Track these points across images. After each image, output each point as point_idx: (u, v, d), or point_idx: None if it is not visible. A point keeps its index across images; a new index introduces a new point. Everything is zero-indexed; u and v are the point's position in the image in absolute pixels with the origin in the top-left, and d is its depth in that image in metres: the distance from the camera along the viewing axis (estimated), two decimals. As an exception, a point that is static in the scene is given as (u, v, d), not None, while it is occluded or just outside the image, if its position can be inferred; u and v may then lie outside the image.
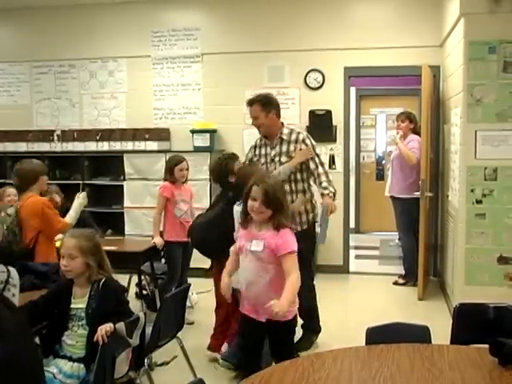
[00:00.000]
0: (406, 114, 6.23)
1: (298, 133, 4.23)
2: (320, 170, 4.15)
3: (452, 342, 2.72)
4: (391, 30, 6.26)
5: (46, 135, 7.02)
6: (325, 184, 4.07)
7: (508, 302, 2.83)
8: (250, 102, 4.23)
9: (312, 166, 4.16)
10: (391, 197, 6.27)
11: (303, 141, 4.18)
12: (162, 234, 4.98)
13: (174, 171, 4.86)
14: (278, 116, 4.24)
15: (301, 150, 4.16)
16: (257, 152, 4.34)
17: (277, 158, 4.19)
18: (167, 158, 6.36)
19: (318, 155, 4.21)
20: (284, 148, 4.19)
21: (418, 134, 6.01)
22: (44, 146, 7.01)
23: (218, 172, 4.13)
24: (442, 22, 5.92)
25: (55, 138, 6.98)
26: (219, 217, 3.93)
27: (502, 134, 4.65)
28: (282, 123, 4.28)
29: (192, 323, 4.82)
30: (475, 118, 4.69)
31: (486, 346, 2.28)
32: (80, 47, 7.01)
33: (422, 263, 5.62)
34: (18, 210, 3.84)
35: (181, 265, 4.91)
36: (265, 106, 4.16)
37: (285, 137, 4.21)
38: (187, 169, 4.98)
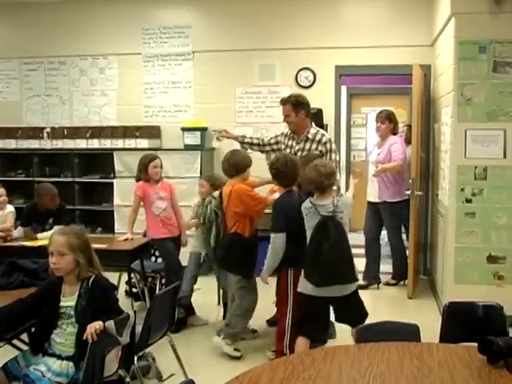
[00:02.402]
0: (386, 113, 5.85)
1: (323, 135, 4.63)
2: (336, 176, 4.44)
3: (441, 340, 2.74)
4: (382, 29, 6.27)
5: (35, 132, 6.97)
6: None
7: (497, 301, 2.84)
8: (283, 102, 4.63)
9: None
10: (380, 202, 5.82)
11: (325, 143, 4.56)
12: (145, 234, 5.06)
13: (148, 168, 4.82)
14: (307, 116, 4.64)
15: (321, 152, 4.49)
16: (285, 141, 4.75)
17: (299, 153, 4.54)
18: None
19: (335, 161, 4.56)
20: (307, 146, 4.57)
21: (396, 133, 5.87)
22: (34, 143, 6.95)
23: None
24: (433, 22, 5.93)
25: (45, 135, 6.93)
26: None
27: (491, 133, 4.67)
28: (311, 122, 4.68)
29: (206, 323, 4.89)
30: (465, 117, 4.71)
31: (475, 344, 2.29)
32: (70, 44, 6.96)
33: (412, 262, 5.64)
34: (220, 194, 4.37)
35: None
36: (296, 106, 4.56)
37: (310, 136, 4.59)
38: (161, 166, 4.94)
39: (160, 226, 4.85)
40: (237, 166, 4.27)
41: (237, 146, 5.19)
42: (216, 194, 4.43)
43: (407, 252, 5.87)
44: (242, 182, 4.27)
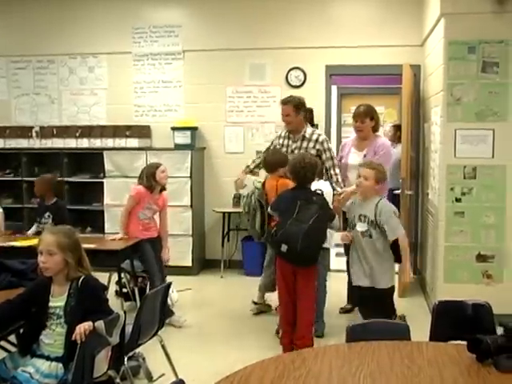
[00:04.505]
0: (366, 110, 4.96)
1: (319, 134, 4.91)
2: (332, 171, 4.78)
3: (431, 338, 2.75)
4: (373, 29, 6.28)
5: (24, 131, 6.90)
6: (334, 186, 4.67)
7: (486, 300, 2.86)
8: (285, 102, 4.87)
9: (327, 165, 4.78)
10: None
11: (322, 142, 4.82)
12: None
13: (155, 175, 4.82)
14: (305, 117, 4.96)
15: (319, 151, 4.78)
16: (281, 142, 4.99)
17: (296, 151, 4.78)
18: (148, 155, 6.37)
19: (332, 157, 4.84)
20: (304, 144, 4.83)
21: (377, 131, 5.10)
22: (22, 143, 6.89)
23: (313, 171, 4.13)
24: (423, 22, 5.96)
25: (34, 134, 6.87)
26: (319, 222, 3.93)
27: (481, 133, 4.70)
28: (307, 123, 4.98)
29: (180, 327, 4.82)
30: (455, 117, 4.73)
31: (465, 342, 2.30)
32: (59, 42, 6.92)
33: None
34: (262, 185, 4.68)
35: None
36: (296, 107, 4.81)
37: (307, 135, 4.85)
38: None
39: (140, 228, 4.89)
40: (270, 165, 4.63)
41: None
42: (258, 185, 4.69)
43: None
44: (279, 177, 4.53)
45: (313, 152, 4.74)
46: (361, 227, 3.87)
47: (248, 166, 5.25)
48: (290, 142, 4.90)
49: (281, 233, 3.93)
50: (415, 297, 5.64)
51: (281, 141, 5.00)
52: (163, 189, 4.97)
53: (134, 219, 4.87)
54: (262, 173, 5.07)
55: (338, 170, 4.82)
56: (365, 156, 4.89)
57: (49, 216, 5.23)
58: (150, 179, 4.82)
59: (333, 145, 7.85)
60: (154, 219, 5.01)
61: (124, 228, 4.90)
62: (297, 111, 4.81)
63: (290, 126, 4.88)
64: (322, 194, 4.05)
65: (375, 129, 5.04)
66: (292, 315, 4.08)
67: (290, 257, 3.93)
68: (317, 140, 4.82)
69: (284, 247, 3.89)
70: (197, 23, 6.69)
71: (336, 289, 5.66)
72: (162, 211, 5.01)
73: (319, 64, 6.47)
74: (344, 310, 5.23)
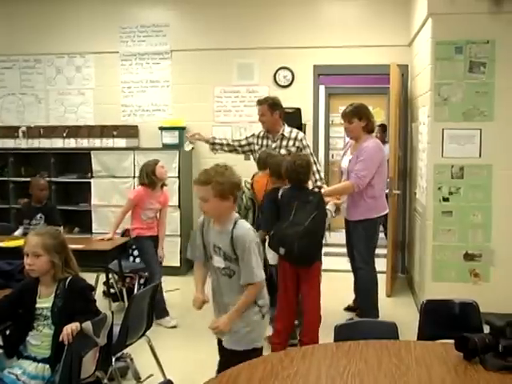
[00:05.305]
0: (352, 109, 4.66)
1: (297, 132, 4.98)
2: (313, 168, 4.59)
3: (419, 337, 2.76)
4: (360, 29, 6.30)
5: (10, 131, 6.85)
6: (318, 183, 4.74)
7: (473, 298, 2.88)
8: (260, 102, 4.99)
9: None
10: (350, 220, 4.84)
11: (301, 140, 4.90)
12: (128, 233, 5.05)
13: (156, 172, 4.82)
14: (281, 117, 4.98)
15: (299, 148, 4.83)
16: (259, 142, 5.03)
17: (276, 150, 4.81)
18: (135, 155, 6.34)
19: (312, 154, 4.86)
20: (284, 143, 4.90)
21: (372, 131, 4.80)
22: (9, 143, 6.84)
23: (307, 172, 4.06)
24: (411, 22, 5.98)
25: (20, 134, 6.82)
26: (315, 222, 3.90)
27: (468, 132, 4.72)
28: (284, 123, 5.00)
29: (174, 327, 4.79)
30: (442, 116, 4.76)
31: (452, 341, 2.32)
32: (46, 42, 6.87)
33: (391, 260, 5.68)
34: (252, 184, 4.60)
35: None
36: (271, 106, 4.90)
37: (286, 134, 4.92)
38: None
39: (144, 227, 4.91)
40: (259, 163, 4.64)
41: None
42: (248, 185, 4.65)
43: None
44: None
45: (293, 150, 4.81)
46: (218, 262, 2.81)
47: (214, 137, 5.40)
48: (269, 142, 4.96)
49: (277, 236, 3.94)
50: (403, 296, 5.66)
51: (259, 141, 5.04)
52: (164, 185, 4.98)
53: (138, 220, 4.89)
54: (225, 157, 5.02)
55: (319, 167, 4.96)
56: (349, 161, 4.67)
57: (41, 217, 5.23)
58: (151, 176, 4.83)
59: (321, 144, 7.93)
60: (157, 218, 5.03)
61: (115, 229, 4.91)
62: (272, 110, 4.90)
63: (266, 126, 4.98)
64: (320, 192, 4.07)
65: (368, 129, 4.66)
66: (288, 316, 4.07)
67: (289, 259, 3.95)
68: (296, 138, 4.90)
69: (282, 250, 3.92)
70: (184, 23, 6.67)
71: (324, 287, 5.68)
72: (162, 209, 5.03)
73: (307, 64, 6.47)
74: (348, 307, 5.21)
